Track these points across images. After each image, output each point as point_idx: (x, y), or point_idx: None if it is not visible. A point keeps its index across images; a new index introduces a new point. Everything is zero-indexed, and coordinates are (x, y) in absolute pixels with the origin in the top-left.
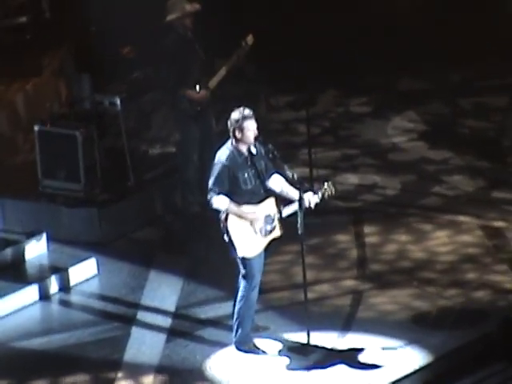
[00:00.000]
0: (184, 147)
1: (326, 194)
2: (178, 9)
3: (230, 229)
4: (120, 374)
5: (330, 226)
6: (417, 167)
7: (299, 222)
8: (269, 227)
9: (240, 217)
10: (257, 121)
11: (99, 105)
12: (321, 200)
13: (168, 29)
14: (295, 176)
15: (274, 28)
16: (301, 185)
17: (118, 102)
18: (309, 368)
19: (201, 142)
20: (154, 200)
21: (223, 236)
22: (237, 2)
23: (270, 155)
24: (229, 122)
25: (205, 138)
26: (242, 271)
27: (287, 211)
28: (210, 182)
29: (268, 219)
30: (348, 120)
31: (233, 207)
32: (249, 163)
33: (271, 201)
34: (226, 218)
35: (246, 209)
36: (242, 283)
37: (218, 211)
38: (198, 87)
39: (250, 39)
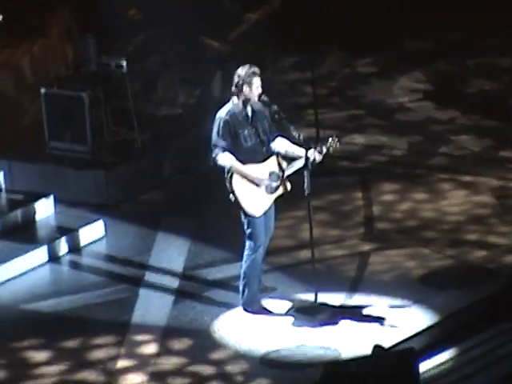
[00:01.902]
0: (204, 101)
1: (331, 149)
2: None
3: (234, 188)
4: (128, 336)
5: (337, 187)
6: (423, 127)
7: (306, 182)
8: (274, 184)
9: (244, 176)
10: (261, 80)
11: (105, 66)
12: (326, 154)
13: None
14: (301, 137)
15: None
16: (307, 145)
17: (125, 63)
18: (316, 327)
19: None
20: (160, 162)
21: (229, 195)
22: None
23: (276, 116)
24: (236, 77)
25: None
26: (247, 231)
27: (291, 168)
28: (213, 138)
29: (273, 176)
30: (354, 81)
31: (237, 165)
32: (249, 121)
33: (273, 159)
34: (231, 178)
35: (251, 169)
36: (246, 243)
37: (223, 171)
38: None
39: None
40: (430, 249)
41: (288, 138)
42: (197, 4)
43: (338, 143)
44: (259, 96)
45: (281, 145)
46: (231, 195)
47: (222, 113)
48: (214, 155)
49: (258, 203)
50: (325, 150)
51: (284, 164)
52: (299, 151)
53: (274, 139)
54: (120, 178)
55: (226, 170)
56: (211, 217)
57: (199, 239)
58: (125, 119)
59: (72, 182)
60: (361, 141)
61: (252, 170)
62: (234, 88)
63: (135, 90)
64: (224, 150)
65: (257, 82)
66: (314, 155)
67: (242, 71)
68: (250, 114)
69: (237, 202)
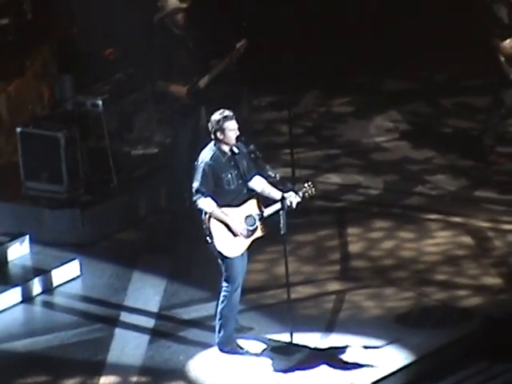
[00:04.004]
0: (175, 146)
1: (307, 194)
2: (168, 5)
3: (212, 230)
4: (103, 376)
5: (313, 226)
6: (399, 167)
7: (282, 221)
8: (250, 228)
9: (222, 221)
10: (238, 121)
11: (81, 106)
12: (301, 200)
13: (159, 26)
14: (277, 176)
15: (259, 28)
16: (283, 185)
17: (100, 103)
18: (292, 368)
19: (192, 142)
20: (136, 201)
21: (205, 237)
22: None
23: (252, 156)
24: (209, 124)
25: (196, 137)
26: (225, 273)
27: (269, 211)
28: (196, 183)
29: (250, 220)
30: (330, 120)
31: (218, 212)
32: (232, 163)
33: (253, 202)
34: (209, 219)
35: (229, 214)
36: (224, 284)
37: (201, 211)
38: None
39: (244, 42)
40: (404, 288)
41: (265, 178)
42: (166, 47)
43: (314, 189)
44: (237, 138)
45: (258, 184)
46: (208, 237)
47: (206, 157)
48: (195, 198)
49: (234, 246)
50: (301, 195)
51: (263, 207)
52: (275, 193)
53: (251, 177)
54: (96, 217)
55: (203, 212)
56: (187, 256)
57: (175, 278)
58: (101, 159)
59: (48, 221)
60: (337, 180)
61: (231, 213)
62: (211, 135)
63: (111, 130)
64: (206, 194)
65: (230, 125)
66: (291, 199)
67: (213, 118)
68: (232, 157)
69: (213, 244)
